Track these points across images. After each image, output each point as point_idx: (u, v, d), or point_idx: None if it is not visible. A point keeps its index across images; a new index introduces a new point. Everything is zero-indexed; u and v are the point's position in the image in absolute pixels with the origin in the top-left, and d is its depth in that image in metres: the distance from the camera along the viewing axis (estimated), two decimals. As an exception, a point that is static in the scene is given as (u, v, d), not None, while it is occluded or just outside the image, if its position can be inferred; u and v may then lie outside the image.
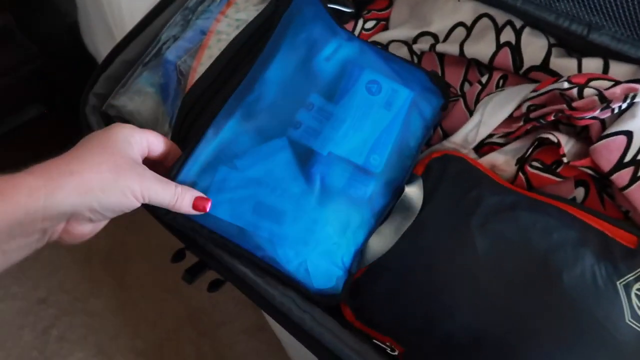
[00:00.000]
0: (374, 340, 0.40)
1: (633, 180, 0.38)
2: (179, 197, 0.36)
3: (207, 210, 0.37)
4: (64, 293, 1.16)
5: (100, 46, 0.88)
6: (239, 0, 0.51)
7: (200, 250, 0.42)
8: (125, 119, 0.50)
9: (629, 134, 0.37)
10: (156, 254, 1.19)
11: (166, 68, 0.48)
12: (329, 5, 0.50)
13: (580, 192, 0.42)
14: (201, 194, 0.38)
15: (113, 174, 0.32)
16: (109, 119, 0.49)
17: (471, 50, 0.46)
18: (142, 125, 0.50)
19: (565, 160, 0.40)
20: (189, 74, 0.48)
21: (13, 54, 0.84)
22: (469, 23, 0.47)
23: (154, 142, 0.37)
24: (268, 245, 0.37)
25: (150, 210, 0.40)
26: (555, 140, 0.40)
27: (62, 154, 0.33)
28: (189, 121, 0.46)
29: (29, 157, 1.08)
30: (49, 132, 1.15)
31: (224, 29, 0.49)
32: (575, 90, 0.38)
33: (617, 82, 0.38)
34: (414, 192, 0.40)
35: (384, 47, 0.50)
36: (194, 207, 0.37)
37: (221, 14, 0.50)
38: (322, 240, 0.38)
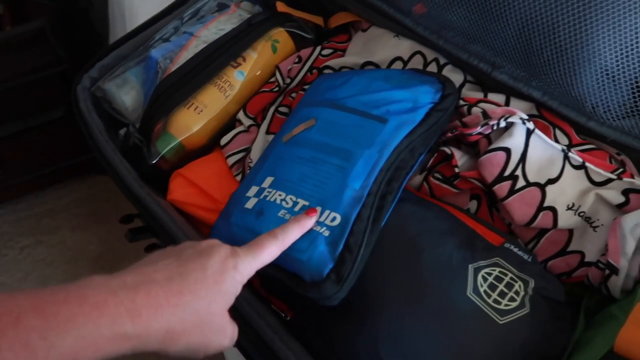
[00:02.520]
0: (272, 306, 0.45)
1: (510, 192, 0.44)
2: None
3: None
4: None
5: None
6: (222, 19, 0.61)
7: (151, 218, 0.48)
8: (109, 101, 0.59)
9: (507, 151, 0.44)
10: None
11: (148, 64, 0.58)
12: (290, 30, 0.60)
13: (473, 205, 0.47)
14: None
15: (200, 340, 0.32)
16: (95, 99, 0.58)
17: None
18: (122, 109, 0.58)
19: (457, 170, 0.46)
20: (166, 70, 0.57)
21: (43, 55, 0.96)
22: (405, 58, 0.56)
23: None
24: None
25: None
26: (449, 153, 0.46)
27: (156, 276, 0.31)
28: (155, 107, 0.54)
29: (48, 156, 1.18)
30: (68, 136, 1.26)
31: (203, 39, 0.59)
32: (466, 108, 0.45)
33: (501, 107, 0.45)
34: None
35: (335, 71, 0.59)
36: None
37: (204, 28, 0.60)
38: None
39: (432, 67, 0.54)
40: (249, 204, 0.45)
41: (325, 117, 0.47)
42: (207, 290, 0.32)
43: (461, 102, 0.47)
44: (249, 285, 0.46)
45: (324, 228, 0.40)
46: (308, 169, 0.44)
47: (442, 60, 0.53)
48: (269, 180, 0.45)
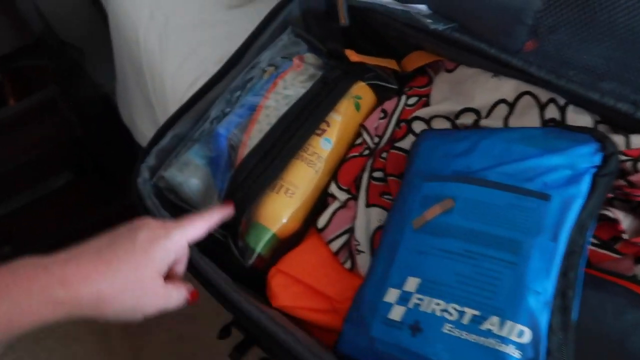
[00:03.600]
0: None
1: (698, 258, 0.37)
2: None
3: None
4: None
5: (137, 117, 0.91)
6: (287, 77, 0.53)
7: (252, 326, 0.40)
8: (175, 191, 0.50)
9: (690, 211, 0.37)
10: (175, 325, 1.15)
11: (218, 141, 0.50)
12: (372, 82, 0.52)
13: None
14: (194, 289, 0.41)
15: (133, 303, 0.35)
16: (159, 191, 0.50)
17: (516, 125, 0.47)
18: (189, 197, 0.50)
19: (625, 237, 0.39)
20: (239, 147, 0.49)
21: (55, 124, 0.87)
22: (510, 100, 0.49)
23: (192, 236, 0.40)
24: None
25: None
26: (613, 217, 0.39)
27: (93, 253, 0.34)
28: (239, 195, 0.46)
29: (56, 225, 1.06)
30: (74, 200, 1.16)
31: (273, 104, 0.51)
32: (629, 164, 0.39)
33: (672, 159, 0.38)
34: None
35: (426, 122, 0.51)
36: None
37: (269, 91, 0.52)
38: None
39: (551, 109, 0.47)
40: (395, 315, 0.37)
41: (465, 196, 0.39)
42: (136, 258, 0.35)
43: (621, 157, 0.40)
44: None
45: (512, 346, 0.33)
46: (464, 266, 0.36)
47: (561, 101, 0.47)
48: (413, 281, 0.38)
